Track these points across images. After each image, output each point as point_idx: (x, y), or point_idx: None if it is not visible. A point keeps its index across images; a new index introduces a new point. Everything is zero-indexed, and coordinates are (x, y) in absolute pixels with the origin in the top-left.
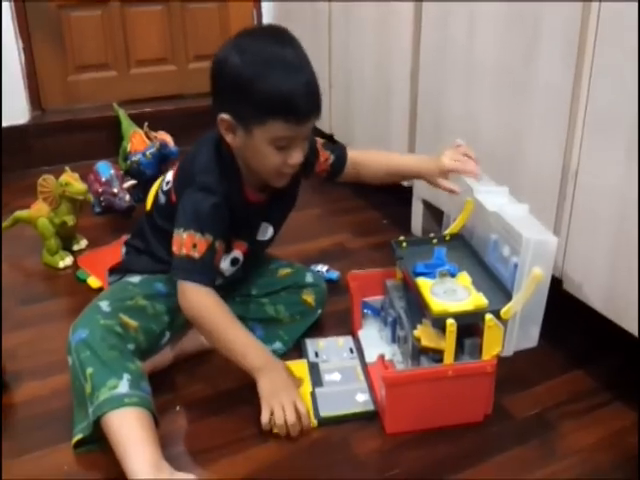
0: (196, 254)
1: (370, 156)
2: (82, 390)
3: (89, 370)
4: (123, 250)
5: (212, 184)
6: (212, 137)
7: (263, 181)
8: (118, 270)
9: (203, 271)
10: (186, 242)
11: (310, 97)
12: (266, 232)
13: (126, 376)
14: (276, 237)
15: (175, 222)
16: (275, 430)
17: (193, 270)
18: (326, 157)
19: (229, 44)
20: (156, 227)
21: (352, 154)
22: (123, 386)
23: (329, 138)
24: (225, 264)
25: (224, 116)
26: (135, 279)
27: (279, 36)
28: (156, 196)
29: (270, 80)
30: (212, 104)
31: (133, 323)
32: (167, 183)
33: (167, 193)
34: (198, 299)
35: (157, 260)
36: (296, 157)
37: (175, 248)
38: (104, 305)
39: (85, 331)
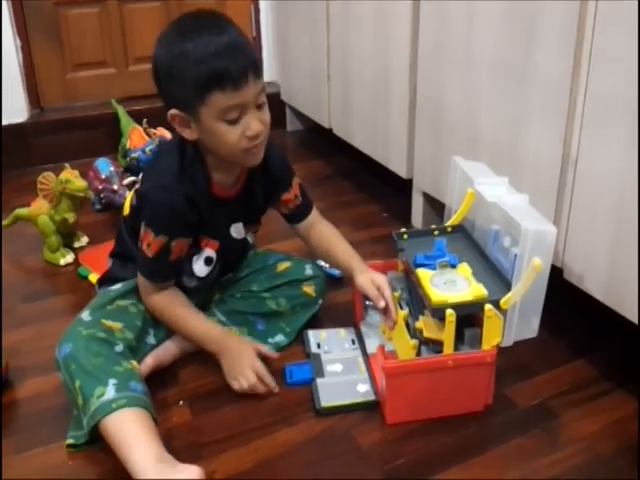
0: (149, 253)
1: (321, 229)
2: (76, 403)
3: (77, 383)
4: (109, 262)
5: (170, 184)
6: (174, 140)
7: (235, 174)
8: (105, 281)
9: (154, 270)
10: (143, 238)
11: (237, 56)
12: (239, 230)
13: (112, 381)
14: (255, 237)
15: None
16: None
17: (144, 267)
18: (297, 195)
19: (157, 41)
20: (131, 229)
21: (314, 216)
22: (109, 392)
23: (328, 132)
24: (199, 264)
25: (172, 111)
26: (117, 286)
27: (202, 18)
28: (131, 198)
29: (190, 55)
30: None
31: (116, 325)
32: (137, 183)
33: (136, 191)
34: (151, 297)
35: None
36: (253, 125)
37: (140, 239)
38: (85, 316)
39: (69, 345)
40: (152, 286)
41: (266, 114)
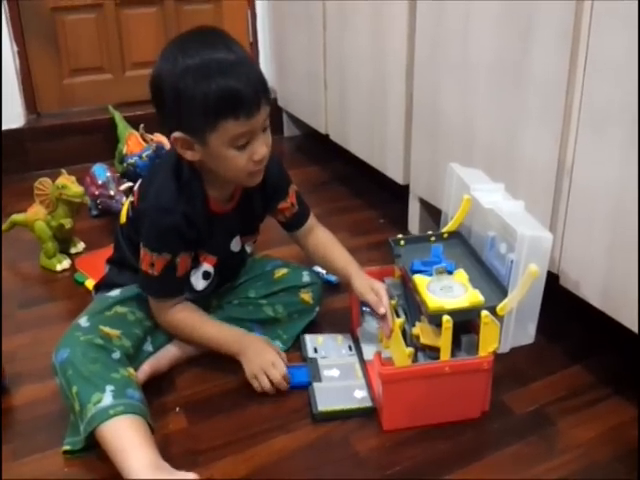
0: (154, 272)
1: (318, 235)
2: (73, 408)
3: (74, 388)
4: (106, 268)
5: (168, 204)
6: (170, 156)
7: (230, 189)
8: (101, 287)
9: (162, 287)
10: (145, 259)
11: (253, 86)
12: (238, 243)
13: (109, 388)
14: (253, 247)
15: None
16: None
17: (151, 287)
18: (293, 203)
19: (159, 58)
20: (128, 238)
21: (311, 223)
22: (107, 398)
23: (325, 138)
24: (197, 279)
25: (177, 134)
26: (115, 292)
27: (208, 36)
28: (127, 209)
29: (207, 82)
30: (163, 124)
31: (115, 332)
32: (133, 194)
33: (132, 204)
34: (165, 315)
35: (137, 271)
36: (260, 151)
37: (141, 261)
38: (83, 321)
39: (67, 350)
40: (165, 304)
41: (269, 136)
